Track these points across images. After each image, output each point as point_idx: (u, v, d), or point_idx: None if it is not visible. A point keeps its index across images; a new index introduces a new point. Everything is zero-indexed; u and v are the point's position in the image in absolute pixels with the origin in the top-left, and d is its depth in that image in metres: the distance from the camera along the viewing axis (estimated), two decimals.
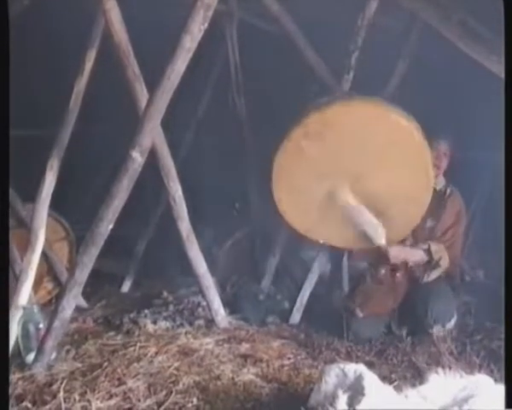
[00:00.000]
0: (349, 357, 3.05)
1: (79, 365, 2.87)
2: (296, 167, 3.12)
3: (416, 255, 3.42)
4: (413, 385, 2.19)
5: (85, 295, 3.88)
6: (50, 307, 3.53)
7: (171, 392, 2.54)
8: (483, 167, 4.64)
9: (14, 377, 2.68)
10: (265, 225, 4.35)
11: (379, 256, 3.40)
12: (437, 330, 3.25)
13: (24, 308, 3.01)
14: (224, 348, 3.09)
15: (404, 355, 3.04)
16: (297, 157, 3.08)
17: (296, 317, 3.75)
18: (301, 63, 3.73)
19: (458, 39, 2.86)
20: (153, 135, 2.87)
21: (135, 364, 2.83)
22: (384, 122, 3.00)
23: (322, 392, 2.16)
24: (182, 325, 3.46)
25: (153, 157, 3.19)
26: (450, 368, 2.23)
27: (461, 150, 3.55)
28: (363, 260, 3.59)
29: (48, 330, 2.81)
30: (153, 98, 2.75)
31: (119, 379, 2.66)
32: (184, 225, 3.37)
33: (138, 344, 3.08)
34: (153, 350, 3.00)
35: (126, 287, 4.55)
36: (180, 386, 2.60)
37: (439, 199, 3.45)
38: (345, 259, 3.83)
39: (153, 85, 2.77)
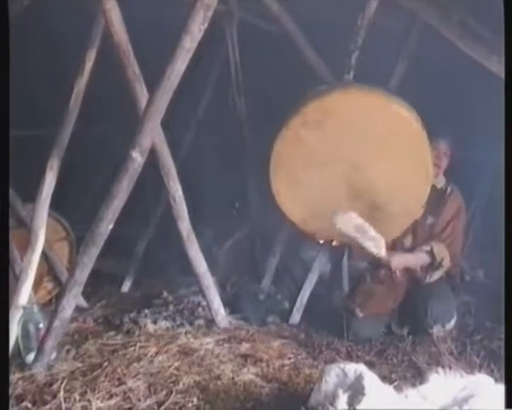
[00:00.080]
0: (349, 357, 3.05)
1: (79, 365, 2.87)
2: (295, 157, 3.09)
3: (418, 260, 3.42)
4: (413, 385, 2.19)
5: (85, 294, 3.88)
6: (50, 306, 3.53)
7: (172, 392, 2.54)
8: (483, 167, 4.64)
9: (14, 377, 2.69)
10: (265, 225, 4.35)
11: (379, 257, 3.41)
12: (437, 331, 3.25)
13: (24, 308, 3.01)
14: (225, 348, 3.09)
15: (404, 355, 3.04)
16: (296, 146, 3.05)
17: (296, 317, 3.75)
18: (301, 63, 3.73)
19: (458, 39, 2.86)
20: (153, 135, 2.87)
21: (135, 364, 2.83)
22: (384, 112, 2.99)
23: (322, 392, 2.16)
24: (182, 324, 3.46)
25: (153, 157, 3.19)
26: (450, 368, 2.23)
27: (461, 150, 3.55)
28: (363, 260, 3.59)
29: (48, 329, 2.81)
30: (153, 98, 2.76)
31: (119, 379, 2.66)
32: (184, 225, 3.38)
33: (138, 344, 3.08)
34: (153, 350, 3.00)
35: (126, 287, 4.55)
36: (180, 386, 2.60)
37: (439, 197, 3.46)
38: (345, 259, 3.83)
39: (153, 85, 2.77)
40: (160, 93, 2.71)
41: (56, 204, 3.61)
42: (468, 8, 2.86)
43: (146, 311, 3.66)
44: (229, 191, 4.95)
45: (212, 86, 4.78)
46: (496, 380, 2.14)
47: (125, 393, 2.54)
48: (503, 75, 2.07)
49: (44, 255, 3.73)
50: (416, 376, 2.72)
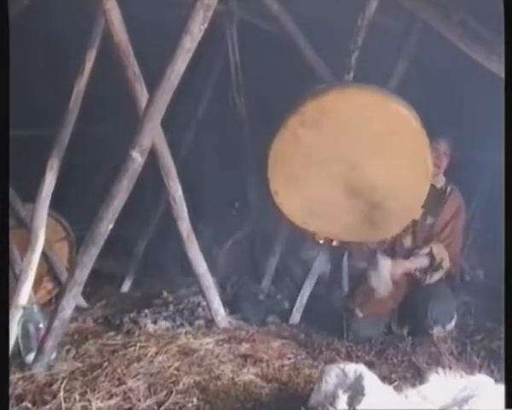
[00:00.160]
0: (349, 357, 3.05)
1: (79, 365, 2.87)
2: (293, 156, 3.08)
3: (417, 264, 3.42)
4: (413, 385, 2.20)
5: (85, 294, 3.88)
6: (50, 306, 3.53)
7: (172, 392, 2.55)
8: (483, 167, 4.64)
9: (14, 377, 2.69)
10: (265, 225, 4.35)
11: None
12: (437, 331, 3.25)
13: (24, 308, 3.01)
14: (224, 348, 3.09)
15: (404, 355, 3.04)
16: (294, 146, 3.04)
17: (296, 317, 3.75)
18: (301, 63, 3.73)
19: (458, 39, 2.86)
20: (153, 135, 2.87)
21: (135, 364, 2.83)
22: (383, 110, 2.98)
23: (322, 392, 2.16)
24: (182, 324, 3.46)
25: (153, 157, 3.19)
26: (450, 368, 2.23)
27: (461, 150, 3.55)
28: (363, 260, 3.59)
29: (48, 329, 2.81)
30: (153, 98, 2.76)
31: (119, 379, 2.66)
32: (184, 225, 3.38)
33: (138, 344, 3.08)
34: (153, 350, 3.00)
35: (126, 287, 4.55)
36: (180, 386, 2.60)
37: (439, 197, 3.46)
38: (345, 259, 3.83)
39: (153, 85, 2.77)
40: (159, 93, 2.71)
41: (56, 204, 3.62)
42: (468, 8, 2.86)
43: (146, 311, 3.66)
44: (229, 191, 4.95)
45: (212, 86, 4.78)
46: (496, 380, 2.14)
47: (124, 393, 2.54)
48: (503, 75, 2.07)
49: (44, 255, 3.73)
50: (416, 376, 2.72)
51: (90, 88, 3.51)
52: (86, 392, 2.53)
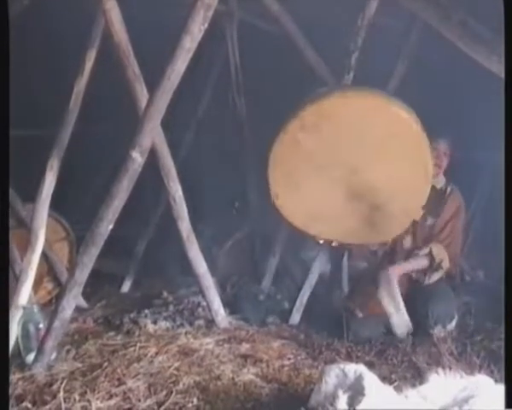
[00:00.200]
0: (349, 357, 3.04)
1: (79, 365, 2.87)
2: (293, 160, 3.09)
3: (417, 266, 3.42)
4: (413, 385, 2.20)
5: (85, 295, 3.88)
6: (50, 307, 3.52)
7: (172, 392, 2.54)
8: (483, 167, 4.65)
9: (14, 377, 2.68)
10: (265, 225, 4.35)
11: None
12: (438, 331, 3.24)
13: (24, 308, 3.01)
14: (224, 349, 3.09)
15: (404, 356, 3.03)
16: (294, 150, 3.05)
17: (296, 317, 3.75)
18: (301, 63, 3.73)
19: (458, 39, 2.85)
20: (153, 135, 2.87)
21: (135, 364, 2.83)
22: (383, 114, 2.98)
23: (322, 392, 2.16)
24: (182, 325, 3.46)
25: (153, 157, 3.19)
26: (450, 368, 2.23)
27: (461, 150, 3.55)
28: (363, 261, 3.59)
29: (48, 330, 2.81)
30: (153, 98, 2.75)
31: (119, 379, 2.66)
32: (184, 225, 3.37)
33: (138, 344, 3.08)
34: (153, 350, 3.00)
35: (126, 287, 4.55)
36: (180, 386, 2.60)
37: (439, 197, 3.47)
38: (345, 259, 3.83)
39: (153, 85, 2.77)
40: (159, 93, 2.71)
41: (56, 204, 3.61)
42: (468, 8, 2.85)
43: (146, 311, 3.66)
44: (229, 191, 4.95)
45: (212, 86, 4.78)
46: (496, 381, 2.14)
47: (124, 393, 2.54)
48: (503, 75, 2.07)
49: (44, 255, 3.73)
50: (416, 376, 2.71)
51: (90, 88, 3.50)
52: (86, 392, 2.53)
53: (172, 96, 2.74)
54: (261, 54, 4.72)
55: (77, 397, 2.48)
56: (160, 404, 2.46)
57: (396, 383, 2.50)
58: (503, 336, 2.49)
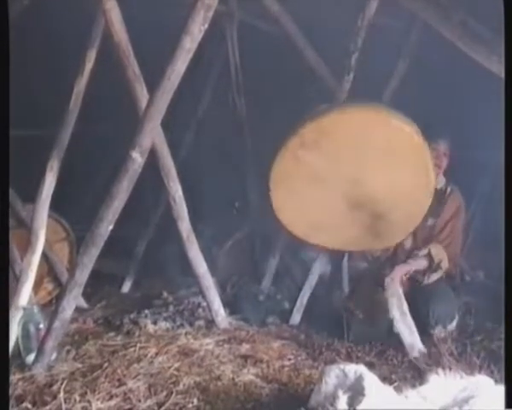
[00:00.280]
0: (349, 358, 3.04)
1: (80, 365, 2.87)
2: (294, 176, 3.14)
3: (416, 267, 3.42)
4: (413, 386, 2.19)
5: (85, 295, 3.87)
6: (51, 307, 3.52)
7: (172, 393, 2.54)
8: (483, 167, 4.64)
9: (14, 377, 2.68)
10: (265, 226, 4.35)
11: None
12: (438, 332, 3.24)
13: (24, 309, 3.01)
14: (225, 349, 3.08)
15: (404, 356, 3.03)
16: (294, 166, 3.10)
17: (296, 317, 3.75)
18: (301, 64, 3.73)
19: (458, 39, 2.85)
20: (153, 135, 2.86)
21: (135, 364, 2.83)
22: (383, 128, 3.00)
23: (322, 393, 2.16)
24: (182, 325, 3.46)
25: (153, 157, 3.19)
26: (450, 369, 2.23)
27: (461, 150, 3.55)
28: (363, 261, 3.59)
29: (48, 330, 2.81)
30: (153, 98, 2.75)
31: (119, 380, 2.66)
32: (184, 225, 3.37)
33: (138, 345, 3.08)
34: (153, 351, 3.00)
35: (126, 287, 4.55)
36: (180, 387, 2.60)
37: (439, 198, 3.46)
38: (345, 260, 3.83)
39: (153, 85, 2.77)
40: (160, 93, 2.71)
41: (56, 204, 3.61)
42: (468, 8, 2.85)
43: (146, 312, 3.66)
44: (229, 191, 4.95)
45: (212, 86, 4.78)
46: (496, 381, 2.14)
47: (125, 394, 2.53)
48: (503, 75, 2.07)
49: (45, 256, 3.72)
50: (416, 377, 2.71)
51: (90, 88, 3.50)
52: (86, 393, 2.53)
53: (172, 96, 2.73)
54: (261, 54, 4.71)
55: (77, 398, 2.48)
56: (160, 404, 2.46)
57: (396, 384, 2.49)
58: (503, 336, 2.49)
